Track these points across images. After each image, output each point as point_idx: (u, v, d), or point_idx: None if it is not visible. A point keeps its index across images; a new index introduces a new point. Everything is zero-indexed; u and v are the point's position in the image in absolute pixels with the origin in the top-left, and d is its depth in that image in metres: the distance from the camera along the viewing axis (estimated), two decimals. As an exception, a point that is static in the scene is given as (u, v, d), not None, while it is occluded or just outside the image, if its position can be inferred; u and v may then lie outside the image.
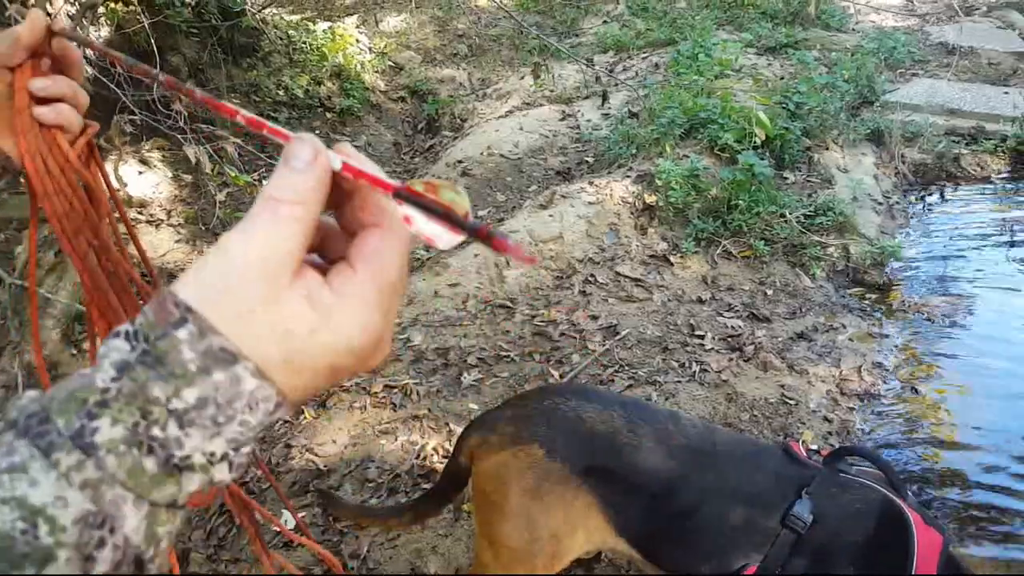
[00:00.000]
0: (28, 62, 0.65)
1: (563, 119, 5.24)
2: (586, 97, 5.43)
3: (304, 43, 5.51)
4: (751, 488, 1.39)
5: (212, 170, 3.52)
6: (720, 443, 1.45)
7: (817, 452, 1.48)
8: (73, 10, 3.73)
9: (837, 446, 1.95)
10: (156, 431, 0.35)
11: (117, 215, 0.69)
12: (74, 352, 2.91)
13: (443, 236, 0.40)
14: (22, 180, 0.72)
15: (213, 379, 0.36)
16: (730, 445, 1.46)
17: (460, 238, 0.40)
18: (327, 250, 0.44)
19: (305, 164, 0.39)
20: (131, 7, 4.19)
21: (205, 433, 0.37)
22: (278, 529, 0.68)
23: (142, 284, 0.66)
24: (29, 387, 2.58)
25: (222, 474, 0.38)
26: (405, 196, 0.40)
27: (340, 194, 0.41)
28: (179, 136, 3.35)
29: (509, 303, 3.14)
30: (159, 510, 0.36)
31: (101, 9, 4.08)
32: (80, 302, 2.81)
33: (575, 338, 2.92)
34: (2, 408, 2.57)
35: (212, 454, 0.37)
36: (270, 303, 0.37)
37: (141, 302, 0.67)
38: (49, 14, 0.69)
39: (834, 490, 1.36)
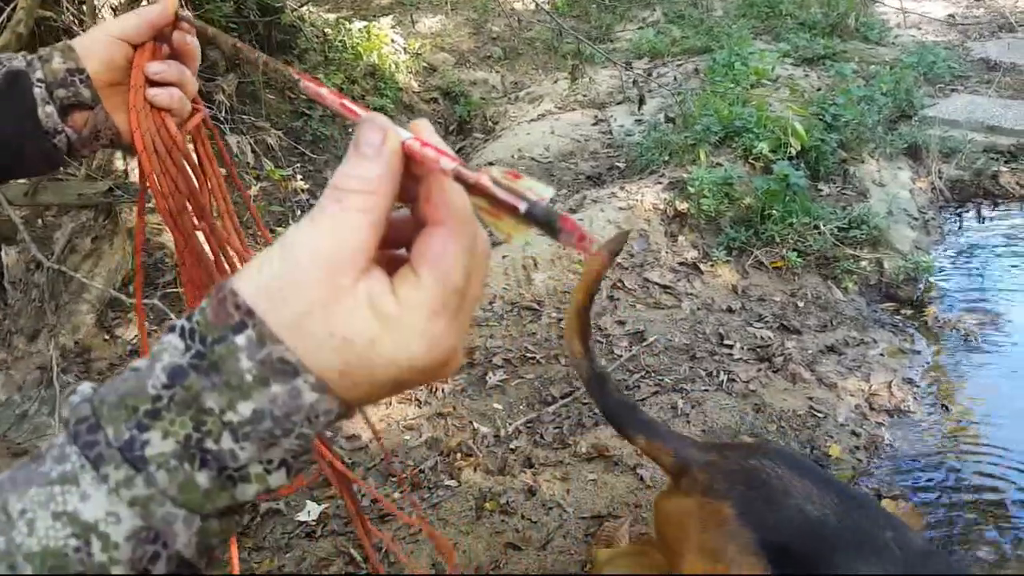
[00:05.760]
0: (150, 44, 0.69)
1: (595, 124, 5.22)
2: (619, 102, 5.41)
3: (340, 42, 5.56)
4: None
5: (251, 163, 3.57)
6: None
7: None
8: (118, 2, 3.80)
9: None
10: (209, 443, 0.34)
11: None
12: (107, 338, 2.97)
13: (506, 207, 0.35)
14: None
15: (271, 391, 0.34)
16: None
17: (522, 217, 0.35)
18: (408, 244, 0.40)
19: (374, 150, 0.36)
20: None
21: (261, 444, 0.35)
22: (384, 506, 0.65)
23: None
24: (63, 370, 2.63)
25: (279, 480, 0.36)
26: (471, 168, 0.36)
27: (414, 186, 0.38)
28: (220, 125, 3.40)
29: (536, 305, 3.14)
30: (211, 522, 0.35)
31: (144, 1, 4.17)
32: (115, 288, 2.86)
33: (601, 343, 2.90)
34: (26, 391, 2.62)
35: (270, 462, 0.36)
36: (330, 306, 0.35)
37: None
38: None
39: None
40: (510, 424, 2.46)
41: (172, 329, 0.36)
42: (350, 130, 5.34)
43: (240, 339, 0.34)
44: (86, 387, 0.36)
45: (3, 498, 0.33)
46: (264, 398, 0.34)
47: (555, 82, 6.00)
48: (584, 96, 5.57)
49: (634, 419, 1.42)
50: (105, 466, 0.33)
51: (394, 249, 0.41)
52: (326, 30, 5.57)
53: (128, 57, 0.69)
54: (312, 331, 0.34)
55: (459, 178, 0.36)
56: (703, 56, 5.75)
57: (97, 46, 0.69)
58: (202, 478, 0.34)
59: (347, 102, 0.45)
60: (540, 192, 0.35)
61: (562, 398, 2.58)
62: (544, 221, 0.34)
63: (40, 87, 0.68)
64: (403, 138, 0.37)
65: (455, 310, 0.37)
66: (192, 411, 0.34)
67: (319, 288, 0.35)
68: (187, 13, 0.70)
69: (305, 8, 5.51)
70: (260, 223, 0.83)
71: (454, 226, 0.37)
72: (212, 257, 0.65)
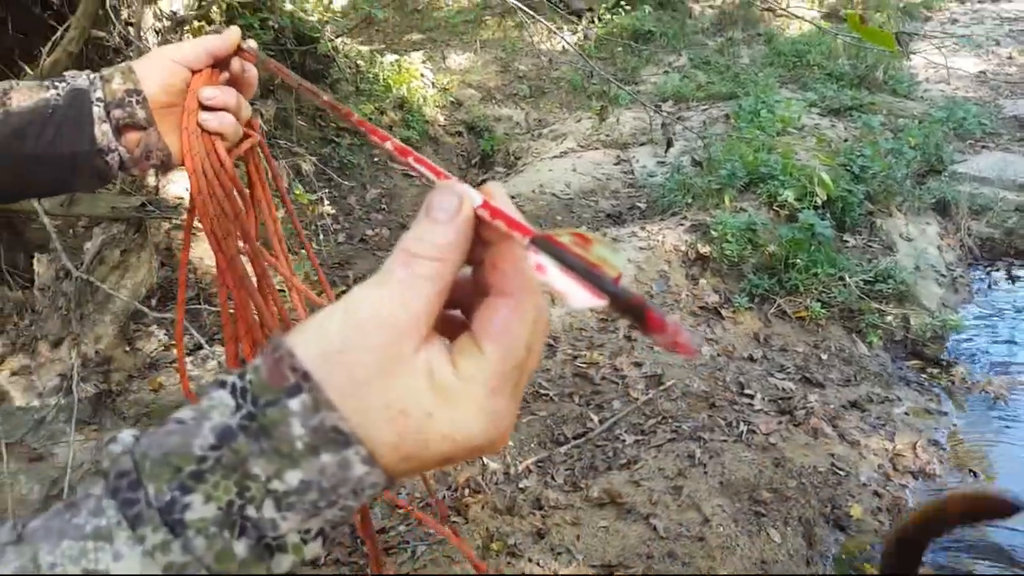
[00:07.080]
0: (208, 70, 0.71)
1: (617, 163, 5.25)
2: (642, 144, 5.44)
3: (371, 74, 5.67)
4: None
5: (287, 186, 3.61)
6: None
7: None
8: (162, 25, 3.91)
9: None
10: (251, 511, 0.33)
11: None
12: (127, 349, 2.98)
13: (578, 295, 0.33)
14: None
15: (320, 461, 0.33)
16: None
17: (600, 302, 0.33)
18: (463, 305, 0.39)
19: (447, 215, 0.36)
20: (213, 25, 4.38)
21: (304, 514, 0.34)
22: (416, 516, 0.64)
23: (303, 291, 0.67)
24: (83, 379, 2.64)
25: (315, 550, 0.35)
26: (543, 245, 0.34)
27: (481, 249, 0.38)
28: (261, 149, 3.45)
29: (551, 341, 3.11)
30: None
31: (187, 27, 4.28)
32: (139, 300, 2.88)
33: (617, 384, 2.86)
34: (35, 389, 2.62)
35: (307, 531, 0.35)
36: (389, 375, 0.34)
37: (290, 317, 0.68)
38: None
39: None
40: (520, 462, 2.42)
41: (223, 385, 0.35)
42: (376, 159, 5.42)
43: (294, 403, 0.33)
44: (127, 436, 0.35)
45: (34, 548, 0.32)
46: (313, 468, 0.33)
47: (578, 121, 6.05)
48: (607, 136, 5.60)
49: None
50: (143, 527, 0.32)
51: (449, 309, 0.39)
52: (359, 62, 5.68)
53: (186, 81, 0.71)
54: (369, 401, 0.34)
55: (534, 242, 0.35)
56: (728, 102, 5.78)
57: (156, 69, 0.71)
58: (240, 547, 0.33)
59: (428, 163, 0.44)
60: (613, 263, 0.33)
61: (575, 438, 2.54)
62: (633, 315, 0.32)
63: (99, 106, 0.70)
64: (476, 204, 0.37)
65: (514, 386, 0.36)
66: (237, 475, 0.33)
67: (379, 355, 0.34)
68: (252, 44, 0.73)
69: (340, 39, 5.64)
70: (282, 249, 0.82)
71: (521, 298, 0.36)
72: (256, 281, 0.65)
